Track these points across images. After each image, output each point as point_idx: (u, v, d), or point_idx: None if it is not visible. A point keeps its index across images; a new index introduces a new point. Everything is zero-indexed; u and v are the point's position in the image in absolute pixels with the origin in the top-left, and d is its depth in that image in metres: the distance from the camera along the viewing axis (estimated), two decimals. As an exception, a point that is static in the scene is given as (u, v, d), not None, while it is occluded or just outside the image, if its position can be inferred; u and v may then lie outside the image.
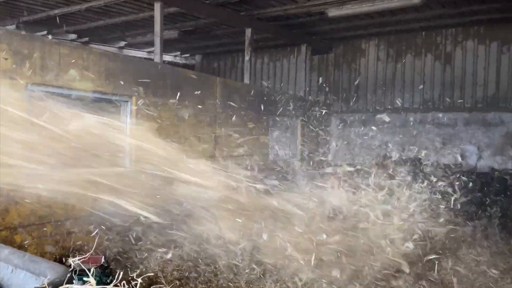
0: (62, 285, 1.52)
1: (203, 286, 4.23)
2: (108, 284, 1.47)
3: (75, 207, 5.01)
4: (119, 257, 4.81)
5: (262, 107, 8.63)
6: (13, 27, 8.70)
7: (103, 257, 4.68)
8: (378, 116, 10.53)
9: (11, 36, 4.69)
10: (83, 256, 4.66)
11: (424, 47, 10.13)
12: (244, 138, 8.13)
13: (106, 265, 4.65)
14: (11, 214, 4.60)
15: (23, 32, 5.18)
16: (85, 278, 1.61)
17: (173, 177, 4.70)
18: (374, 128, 10.53)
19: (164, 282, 3.65)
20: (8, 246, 2.07)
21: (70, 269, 1.67)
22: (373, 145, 10.58)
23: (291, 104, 9.65)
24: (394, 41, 10.46)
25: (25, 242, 4.68)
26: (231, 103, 7.81)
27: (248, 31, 8.84)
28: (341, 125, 11.09)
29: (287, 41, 10.81)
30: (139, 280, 1.51)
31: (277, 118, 9.35)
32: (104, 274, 4.29)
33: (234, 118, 7.86)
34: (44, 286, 1.54)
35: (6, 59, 4.61)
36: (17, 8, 8.19)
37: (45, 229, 4.90)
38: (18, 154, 3.60)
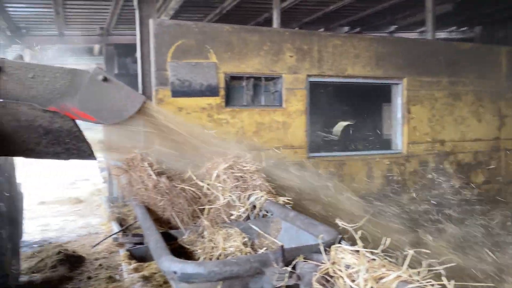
0: (333, 245, 1.70)
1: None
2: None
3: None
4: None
5: None
6: (296, 29, 9.97)
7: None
8: None
9: (294, 36, 5.42)
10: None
11: None
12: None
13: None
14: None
15: (302, 31, 5.89)
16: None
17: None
18: None
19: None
20: (293, 210, 2.45)
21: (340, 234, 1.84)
22: None
23: None
24: None
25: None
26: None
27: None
28: None
29: None
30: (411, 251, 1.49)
31: None
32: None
33: (526, 92, 6.61)
34: (318, 244, 1.75)
35: (291, 56, 5.36)
36: (299, 12, 9.34)
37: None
38: None
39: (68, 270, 6.40)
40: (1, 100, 2.29)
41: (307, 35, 5.49)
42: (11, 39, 9.26)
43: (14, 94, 2.30)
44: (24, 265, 6.26)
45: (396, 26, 11.16)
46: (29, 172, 12.69)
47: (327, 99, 8.63)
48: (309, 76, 5.43)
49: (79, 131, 2.39)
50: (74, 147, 2.38)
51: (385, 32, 11.32)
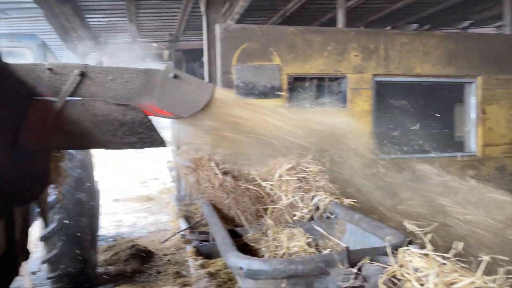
0: (401, 247, 1.66)
1: None
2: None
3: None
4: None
5: None
6: (361, 28, 9.74)
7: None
8: None
9: (359, 35, 5.31)
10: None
11: None
12: None
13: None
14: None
15: (368, 29, 5.76)
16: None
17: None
18: None
19: None
20: (359, 212, 2.42)
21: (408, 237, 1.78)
22: None
23: None
24: None
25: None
26: None
27: None
28: None
29: None
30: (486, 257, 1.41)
31: None
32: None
33: None
34: (384, 247, 1.72)
35: (356, 56, 5.26)
36: (364, 11, 9.13)
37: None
38: None
39: (139, 264, 6.78)
40: (80, 98, 2.49)
41: (373, 34, 5.36)
42: (90, 47, 10.01)
43: (97, 96, 2.51)
44: (101, 257, 6.73)
45: (470, 22, 10.51)
46: (104, 171, 13.60)
47: (394, 99, 8.33)
48: (375, 75, 5.30)
49: (150, 121, 2.55)
50: (146, 136, 2.53)
51: (458, 28, 10.71)
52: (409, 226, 1.68)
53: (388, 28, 10.03)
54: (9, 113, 2.39)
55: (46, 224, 3.66)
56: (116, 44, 10.60)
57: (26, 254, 2.90)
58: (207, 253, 3.45)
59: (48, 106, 2.44)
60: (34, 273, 6.05)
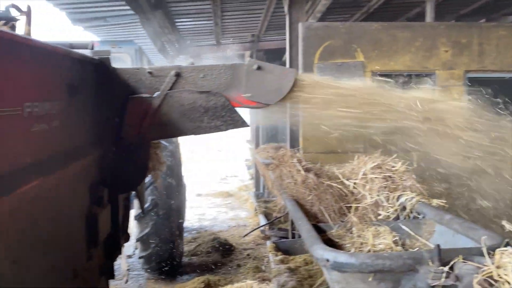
0: (498, 248, 1.58)
1: None
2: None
3: None
4: None
5: None
6: (452, 22, 9.18)
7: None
8: None
9: (449, 29, 5.03)
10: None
11: None
12: None
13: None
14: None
15: (459, 23, 5.42)
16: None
17: None
18: None
19: None
20: (449, 213, 2.32)
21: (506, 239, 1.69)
22: None
23: None
24: None
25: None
26: None
27: None
28: None
29: None
30: None
31: None
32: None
33: None
34: (478, 248, 1.66)
35: (446, 51, 4.99)
36: (455, 3, 8.60)
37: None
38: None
39: (220, 257, 7.07)
40: (169, 91, 2.72)
41: (465, 28, 5.04)
42: (179, 50, 10.61)
43: None
44: (186, 248, 7.14)
45: None
46: (189, 167, 14.33)
47: (488, 97, 7.73)
48: (467, 71, 4.98)
49: (230, 104, 2.70)
50: (229, 118, 2.72)
51: None
52: (508, 226, 1.59)
53: (483, 21, 9.33)
54: (116, 112, 2.68)
55: (142, 205, 4.02)
56: (202, 47, 11.12)
57: (126, 237, 3.21)
58: (286, 249, 3.53)
59: (145, 104, 2.69)
60: (129, 256, 6.61)
